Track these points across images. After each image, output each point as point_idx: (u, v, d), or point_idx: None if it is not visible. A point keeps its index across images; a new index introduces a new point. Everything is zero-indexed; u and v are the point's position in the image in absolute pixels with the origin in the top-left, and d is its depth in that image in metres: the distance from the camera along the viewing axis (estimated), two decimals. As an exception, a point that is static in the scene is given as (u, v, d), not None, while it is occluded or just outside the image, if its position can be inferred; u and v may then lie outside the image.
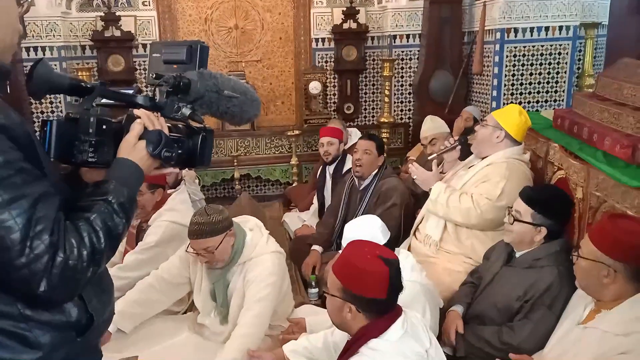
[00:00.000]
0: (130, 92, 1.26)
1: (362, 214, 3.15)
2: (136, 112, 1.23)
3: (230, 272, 2.37)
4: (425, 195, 2.90)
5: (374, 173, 3.38)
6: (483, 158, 2.75)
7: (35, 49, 5.01)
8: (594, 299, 1.83)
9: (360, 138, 3.59)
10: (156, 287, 2.47)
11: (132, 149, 1.19)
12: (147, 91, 1.27)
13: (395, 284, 1.57)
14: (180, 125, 1.31)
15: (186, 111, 1.21)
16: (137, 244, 3.04)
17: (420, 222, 2.89)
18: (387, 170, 3.45)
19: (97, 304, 1.18)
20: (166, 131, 1.23)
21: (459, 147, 2.96)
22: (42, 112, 5.18)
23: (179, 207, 3.08)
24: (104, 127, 1.17)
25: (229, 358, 2.09)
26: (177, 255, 2.53)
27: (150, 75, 1.29)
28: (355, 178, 3.46)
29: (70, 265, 1.02)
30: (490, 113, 2.89)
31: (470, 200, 2.57)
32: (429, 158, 3.15)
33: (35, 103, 5.11)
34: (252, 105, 1.29)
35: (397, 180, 3.40)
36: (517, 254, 2.22)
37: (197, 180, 4.43)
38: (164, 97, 1.21)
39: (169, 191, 3.30)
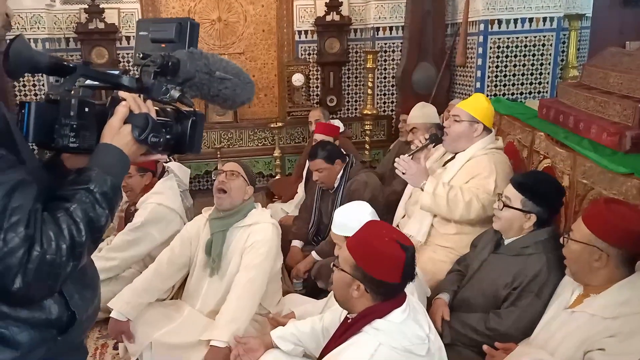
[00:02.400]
0: (116, 73, 1.18)
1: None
2: (121, 94, 1.16)
3: (232, 230, 2.48)
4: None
5: (339, 177, 3.31)
6: (459, 151, 2.71)
7: (20, 41, 4.94)
8: (582, 284, 1.82)
9: (308, 159, 3.46)
10: (160, 271, 2.53)
11: (117, 133, 1.12)
12: (133, 72, 1.18)
13: (408, 271, 1.56)
14: (168, 109, 1.24)
15: (175, 93, 1.12)
16: (122, 229, 3.12)
17: (402, 218, 2.87)
18: (355, 168, 3.38)
19: (79, 301, 1.12)
20: (153, 115, 1.17)
21: (430, 145, 2.92)
22: (25, 95, 5.07)
23: (167, 191, 3.14)
24: (87, 109, 1.10)
25: (224, 333, 2.16)
26: (178, 236, 2.63)
27: (137, 55, 1.20)
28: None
29: (48, 259, 0.96)
30: (457, 106, 2.81)
31: (471, 192, 2.51)
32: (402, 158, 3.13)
33: (18, 85, 5.01)
34: (246, 88, 1.21)
35: (366, 175, 3.34)
36: (505, 242, 2.21)
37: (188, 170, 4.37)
38: (151, 79, 1.12)
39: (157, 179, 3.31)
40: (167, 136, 1.19)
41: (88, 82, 1.14)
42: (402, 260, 1.52)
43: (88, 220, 1.02)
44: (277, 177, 5.07)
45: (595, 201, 1.98)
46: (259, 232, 2.42)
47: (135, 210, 3.14)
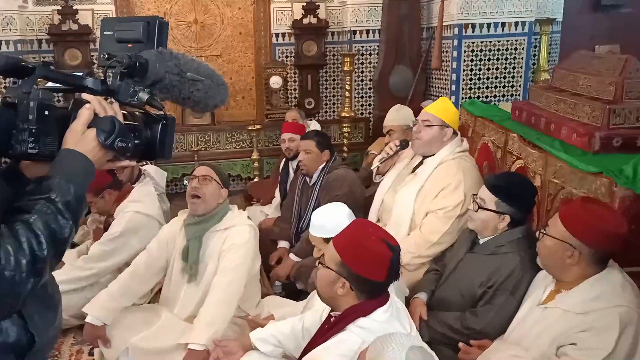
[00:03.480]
0: (80, 74, 1.12)
1: (312, 209, 3.16)
2: (85, 96, 1.08)
3: (208, 235, 2.46)
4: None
5: (320, 168, 3.37)
6: (428, 156, 2.76)
7: (-9, 43, 4.89)
8: (554, 280, 1.87)
9: (301, 138, 3.56)
10: (138, 274, 2.51)
11: (80, 138, 1.04)
12: (99, 74, 1.11)
13: (394, 270, 1.59)
14: (137, 113, 1.18)
15: (143, 96, 1.07)
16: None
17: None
18: (336, 163, 3.44)
19: (40, 322, 1.04)
20: (120, 118, 1.09)
21: (402, 151, 2.96)
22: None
23: (144, 198, 3.10)
24: (47, 113, 1.01)
25: (202, 336, 2.17)
26: (155, 239, 2.61)
27: (102, 55, 1.14)
28: (305, 175, 3.47)
29: (7, 276, 0.88)
30: (426, 111, 2.85)
31: (430, 225, 2.57)
32: (372, 168, 3.18)
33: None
34: (219, 90, 1.17)
35: (345, 170, 3.39)
36: (481, 241, 2.25)
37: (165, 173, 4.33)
38: (118, 80, 1.06)
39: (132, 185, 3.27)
40: (136, 141, 1.13)
41: (49, 84, 1.08)
42: (389, 259, 1.54)
43: (50, 233, 0.95)
44: (255, 180, 5.06)
45: (573, 199, 2.02)
46: (235, 235, 2.41)
47: (113, 220, 3.10)
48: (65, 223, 0.98)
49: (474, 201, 2.21)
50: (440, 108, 2.80)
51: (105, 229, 3.17)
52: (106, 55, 1.10)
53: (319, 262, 1.65)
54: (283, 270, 3.17)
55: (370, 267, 1.55)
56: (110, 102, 1.10)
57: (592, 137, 2.29)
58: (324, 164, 3.37)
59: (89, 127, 1.06)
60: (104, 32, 1.18)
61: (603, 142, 2.26)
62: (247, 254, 2.39)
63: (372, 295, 1.58)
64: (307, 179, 3.45)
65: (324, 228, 2.08)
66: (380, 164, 3.17)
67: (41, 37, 5.18)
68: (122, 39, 1.14)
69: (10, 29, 4.90)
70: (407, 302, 2.29)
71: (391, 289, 1.95)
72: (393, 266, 1.56)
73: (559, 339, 1.71)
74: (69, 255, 3.36)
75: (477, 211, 2.18)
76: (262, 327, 2.07)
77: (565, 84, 2.81)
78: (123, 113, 1.13)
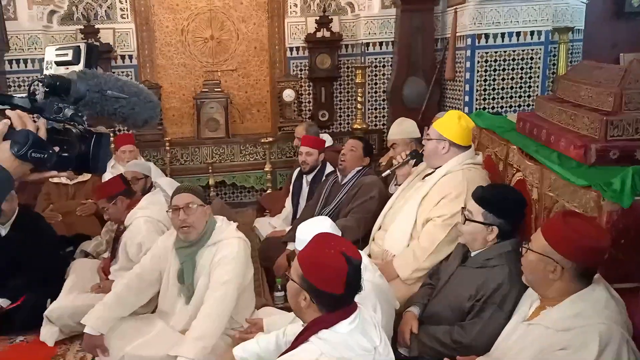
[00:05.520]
0: (9, 94, 1.21)
1: (336, 206, 3.31)
2: (8, 112, 1.16)
3: (199, 253, 2.48)
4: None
5: (357, 169, 3.50)
6: (437, 167, 2.75)
7: (18, 61, 5.12)
8: (539, 296, 1.83)
9: (350, 137, 3.76)
10: (132, 286, 2.56)
11: None
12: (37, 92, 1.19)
13: (352, 283, 1.58)
14: (73, 129, 1.24)
15: (68, 112, 1.15)
16: (114, 246, 3.23)
17: (379, 230, 2.89)
18: (370, 170, 3.57)
19: None
20: (42, 132, 1.16)
21: (412, 161, 2.96)
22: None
23: (151, 206, 3.19)
24: None
25: (191, 349, 2.20)
26: (150, 252, 2.64)
27: (40, 79, 1.23)
28: (339, 175, 3.58)
29: None
30: (432, 125, 2.87)
31: (428, 234, 2.56)
32: (383, 175, 3.19)
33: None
34: (146, 106, 1.22)
35: (377, 178, 3.43)
36: (472, 254, 2.22)
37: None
38: (43, 99, 1.15)
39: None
40: (65, 154, 1.20)
41: None
42: (344, 273, 1.54)
43: None
44: (268, 192, 5.11)
45: (555, 213, 1.98)
46: (225, 248, 2.43)
47: (125, 228, 3.19)
48: None
49: (462, 214, 2.19)
50: (442, 122, 2.80)
51: (117, 238, 3.26)
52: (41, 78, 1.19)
53: (286, 274, 1.67)
54: (282, 260, 3.23)
55: (326, 280, 1.55)
56: (36, 118, 1.17)
57: (587, 149, 2.24)
58: (361, 167, 3.51)
59: (5, 139, 1.13)
60: (47, 59, 1.29)
61: (599, 154, 2.21)
62: (237, 267, 2.41)
63: (333, 307, 1.58)
64: (339, 177, 3.56)
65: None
66: (391, 171, 3.18)
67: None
68: (59, 62, 1.26)
69: (35, 48, 5.12)
70: (398, 316, 2.27)
71: (375, 302, 1.95)
72: (350, 279, 1.55)
73: (538, 356, 1.67)
74: (92, 265, 3.49)
75: (464, 223, 2.15)
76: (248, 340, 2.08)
77: (568, 95, 2.76)
78: (54, 128, 1.21)
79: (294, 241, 3.34)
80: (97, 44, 1.24)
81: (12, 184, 1.13)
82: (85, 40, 1.24)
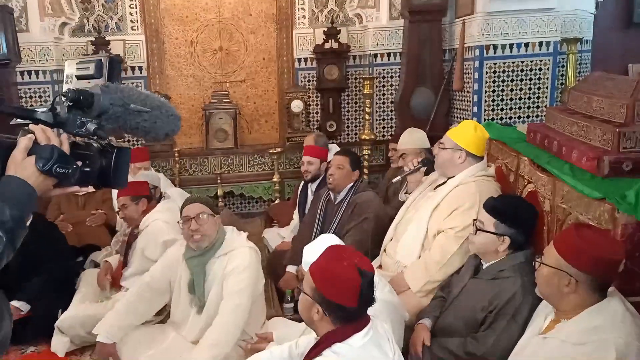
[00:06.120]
0: (32, 108, 1.20)
1: (336, 227, 3.17)
2: (32, 127, 1.16)
3: (210, 263, 2.49)
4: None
5: (348, 187, 3.40)
6: (449, 177, 2.74)
7: (29, 72, 5.15)
8: (554, 309, 1.82)
9: (335, 154, 3.61)
10: (143, 295, 2.58)
11: (20, 165, 1.11)
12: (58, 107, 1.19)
13: (366, 295, 1.58)
14: (94, 144, 1.24)
15: (91, 126, 1.14)
16: (127, 250, 3.27)
17: (391, 241, 2.88)
18: (362, 184, 3.46)
19: None
20: (65, 147, 1.16)
21: (423, 168, 2.95)
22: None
23: (169, 212, 3.22)
24: None
25: (205, 355, 2.23)
26: (160, 261, 2.67)
27: (62, 93, 1.23)
28: (330, 192, 3.49)
29: None
30: (446, 134, 2.86)
31: (438, 246, 2.55)
32: (393, 181, 3.18)
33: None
34: (168, 120, 1.22)
35: (372, 194, 3.41)
36: (484, 266, 2.21)
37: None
38: (66, 113, 1.15)
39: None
40: (87, 169, 1.20)
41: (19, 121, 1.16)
42: (358, 285, 1.54)
43: None
44: (276, 202, 5.11)
45: (567, 226, 1.98)
46: (236, 258, 2.45)
47: (139, 232, 3.23)
48: None
49: (473, 224, 2.19)
50: (458, 131, 2.80)
51: (129, 242, 3.28)
52: (63, 92, 1.19)
53: (298, 287, 1.67)
54: (286, 285, 3.19)
55: (340, 292, 1.55)
56: (59, 132, 1.17)
57: (601, 161, 2.23)
58: (352, 183, 3.41)
59: (30, 154, 1.12)
60: (66, 72, 1.29)
61: (613, 166, 2.20)
62: (250, 276, 2.42)
63: (346, 320, 1.58)
64: (332, 196, 3.48)
65: None
66: (402, 177, 3.17)
67: (75, 66, 5.43)
68: (80, 76, 1.25)
69: (47, 59, 5.16)
70: (412, 328, 2.26)
71: (386, 315, 1.94)
72: (364, 292, 1.55)
73: (554, 370, 1.66)
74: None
75: (476, 234, 2.15)
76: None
77: (579, 106, 2.76)
78: (75, 142, 1.20)
79: (294, 264, 3.36)
80: (119, 56, 1.24)
81: (37, 200, 1.13)
82: (107, 54, 1.24)
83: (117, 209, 3.43)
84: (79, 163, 1.18)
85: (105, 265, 3.41)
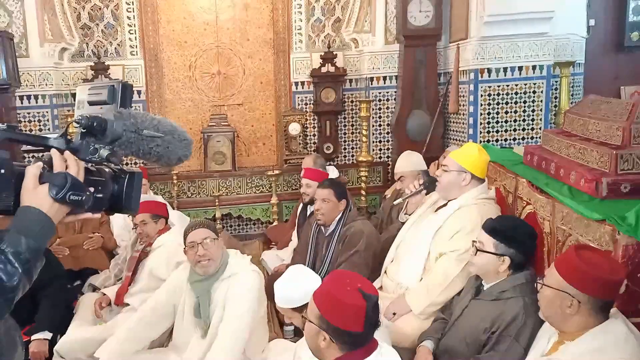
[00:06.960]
0: (44, 135, 1.19)
1: (329, 261, 3.18)
2: (52, 152, 1.15)
3: (214, 287, 2.48)
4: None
5: (337, 218, 3.33)
6: (450, 199, 2.76)
7: (29, 97, 5.17)
8: (557, 330, 1.83)
9: (318, 187, 3.51)
10: (146, 320, 2.57)
11: (32, 194, 1.09)
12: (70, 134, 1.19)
13: (371, 319, 1.58)
14: (106, 169, 1.23)
15: (104, 152, 1.14)
16: (136, 267, 3.26)
17: (392, 262, 2.89)
18: (352, 213, 3.38)
19: None
20: (80, 174, 1.15)
21: (424, 191, 2.98)
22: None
23: (179, 236, 3.20)
24: (2, 171, 1.07)
25: None
26: (164, 286, 2.66)
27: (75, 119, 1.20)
28: (322, 228, 3.43)
29: None
30: (448, 156, 2.88)
31: (442, 268, 2.56)
32: (394, 203, 3.20)
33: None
34: (181, 145, 1.21)
35: (362, 223, 3.34)
36: (485, 287, 2.22)
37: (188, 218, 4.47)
38: (79, 139, 1.15)
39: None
40: (99, 195, 1.18)
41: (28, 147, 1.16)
42: (363, 309, 1.54)
43: None
44: (274, 224, 5.12)
45: (568, 248, 2.00)
46: (239, 282, 2.44)
47: (150, 251, 3.25)
48: (13, 271, 1.01)
49: (473, 246, 2.20)
50: (462, 154, 2.82)
51: (141, 256, 3.27)
52: (77, 119, 1.18)
53: (303, 316, 1.67)
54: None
55: (345, 318, 1.54)
56: (76, 160, 1.16)
57: (599, 183, 2.27)
58: (341, 213, 3.34)
59: (43, 182, 1.11)
60: (78, 98, 1.28)
61: (611, 187, 2.23)
62: (251, 300, 2.42)
63: (354, 346, 1.58)
64: (323, 228, 3.42)
65: (291, 299, 2.10)
66: (403, 200, 3.19)
67: (75, 91, 5.43)
68: (92, 101, 1.23)
69: (46, 84, 5.18)
70: (412, 351, 2.26)
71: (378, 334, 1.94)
72: (369, 315, 1.55)
73: (559, 392, 1.66)
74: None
75: (475, 254, 2.17)
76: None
77: (575, 129, 2.80)
78: (91, 169, 1.19)
79: None
80: (131, 83, 1.23)
81: (53, 229, 1.11)
82: (120, 80, 1.24)
83: (133, 224, 3.40)
84: (92, 189, 1.17)
85: (101, 298, 3.36)
